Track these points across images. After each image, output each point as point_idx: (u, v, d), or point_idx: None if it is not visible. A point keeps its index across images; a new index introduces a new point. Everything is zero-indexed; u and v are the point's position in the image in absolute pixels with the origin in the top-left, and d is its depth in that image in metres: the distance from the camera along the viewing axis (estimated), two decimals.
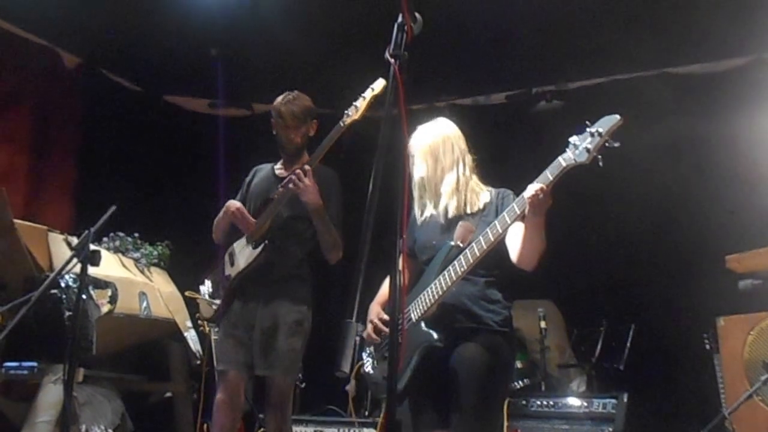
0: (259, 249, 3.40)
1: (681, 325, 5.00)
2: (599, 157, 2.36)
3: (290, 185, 3.31)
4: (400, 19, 2.01)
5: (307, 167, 3.31)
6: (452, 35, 5.18)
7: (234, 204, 3.52)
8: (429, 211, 2.89)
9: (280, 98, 3.58)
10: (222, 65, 5.64)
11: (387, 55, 1.98)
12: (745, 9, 4.69)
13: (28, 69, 5.41)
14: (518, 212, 2.51)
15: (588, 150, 2.35)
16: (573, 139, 2.42)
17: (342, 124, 3.31)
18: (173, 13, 5.04)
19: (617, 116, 2.37)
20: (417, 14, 2.02)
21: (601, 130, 2.35)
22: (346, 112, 3.31)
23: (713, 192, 5.02)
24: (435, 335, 2.64)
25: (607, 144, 2.35)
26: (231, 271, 3.52)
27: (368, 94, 3.26)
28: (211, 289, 3.61)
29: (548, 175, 2.45)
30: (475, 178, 2.89)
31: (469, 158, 2.89)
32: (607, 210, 5.46)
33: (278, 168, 3.67)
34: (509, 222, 2.54)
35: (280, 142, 3.59)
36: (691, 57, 5.56)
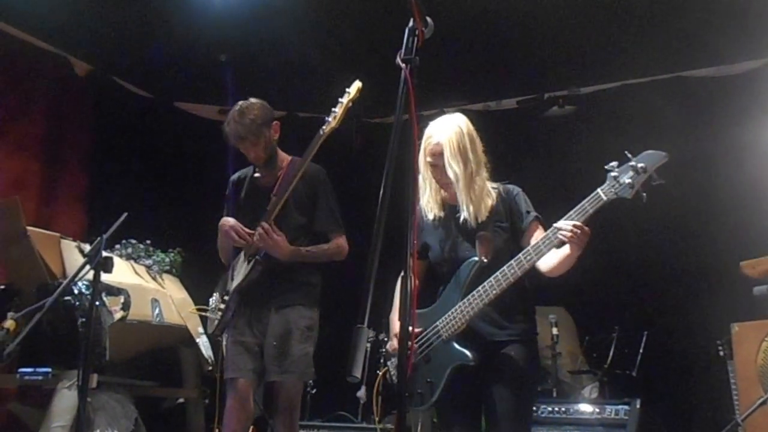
0: (251, 264, 3.37)
1: (694, 332, 4.97)
2: (644, 194, 2.33)
3: (258, 243, 3.31)
4: (411, 23, 2.00)
5: (265, 225, 3.28)
6: (463, 40, 5.18)
7: (227, 222, 3.45)
8: (441, 211, 2.86)
9: (227, 117, 3.44)
10: (232, 72, 5.66)
11: (398, 59, 1.97)
12: (759, 11, 4.66)
13: (39, 77, 5.45)
14: (555, 242, 2.48)
15: (632, 186, 2.34)
16: (613, 170, 2.38)
17: (321, 132, 3.28)
18: (183, 20, 5.07)
19: (663, 153, 2.35)
20: (428, 18, 2.01)
21: (645, 166, 2.33)
22: (326, 119, 3.27)
23: (728, 197, 4.98)
24: (469, 354, 2.63)
25: (653, 182, 2.33)
26: (230, 286, 3.50)
27: (345, 98, 3.24)
28: (215, 304, 3.56)
29: (588, 208, 2.43)
30: (487, 179, 2.85)
31: (485, 160, 2.83)
32: (620, 215, 5.39)
33: (257, 174, 3.59)
34: (545, 251, 2.51)
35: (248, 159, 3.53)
36: (705, 60, 5.52)
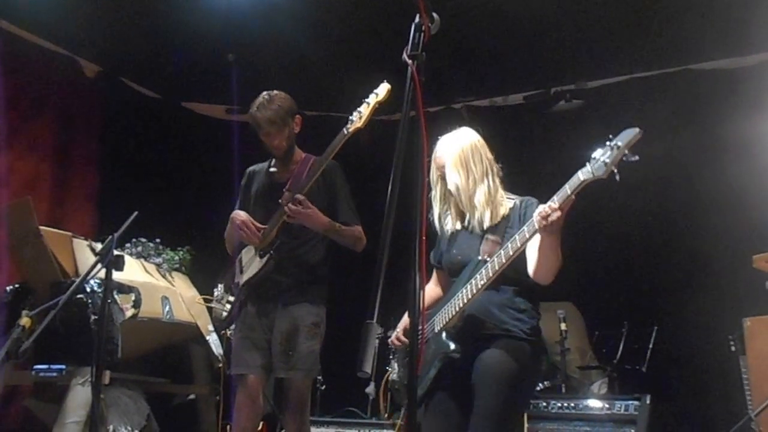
0: (265, 259, 3.38)
1: (705, 326, 4.92)
2: (615, 171, 2.33)
3: (289, 219, 3.29)
4: (417, 19, 1.99)
5: (299, 196, 3.25)
6: (469, 36, 5.18)
7: (239, 216, 3.45)
8: (457, 223, 2.87)
9: (254, 103, 3.47)
10: (239, 71, 5.68)
11: (404, 56, 1.97)
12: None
13: (49, 78, 5.49)
14: (537, 226, 2.47)
15: (606, 164, 2.33)
16: (595, 153, 2.39)
17: (346, 131, 3.23)
18: (191, 20, 5.09)
19: (636, 129, 2.33)
20: (434, 14, 2.01)
21: (620, 143, 2.32)
22: (350, 118, 3.23)
23: (739, 190, 4.92)
24: (452, 346, 2.64)
25: (624, 158, 2.32)
26: (240, 279, 3.51)
27: (372, 99, 3.20)
28: (221, 294, 3.60)
29: (567, 190, 2.42)
30: (500, 188, 2.85)
31: (496, 168, 2.85)
32: (629, 209, 5.40)
33: (273, 168, 3.61)
34: (528, 236, 2.51)
35: (268, 148, 3.53)
36: (713, 53, 5.48)
